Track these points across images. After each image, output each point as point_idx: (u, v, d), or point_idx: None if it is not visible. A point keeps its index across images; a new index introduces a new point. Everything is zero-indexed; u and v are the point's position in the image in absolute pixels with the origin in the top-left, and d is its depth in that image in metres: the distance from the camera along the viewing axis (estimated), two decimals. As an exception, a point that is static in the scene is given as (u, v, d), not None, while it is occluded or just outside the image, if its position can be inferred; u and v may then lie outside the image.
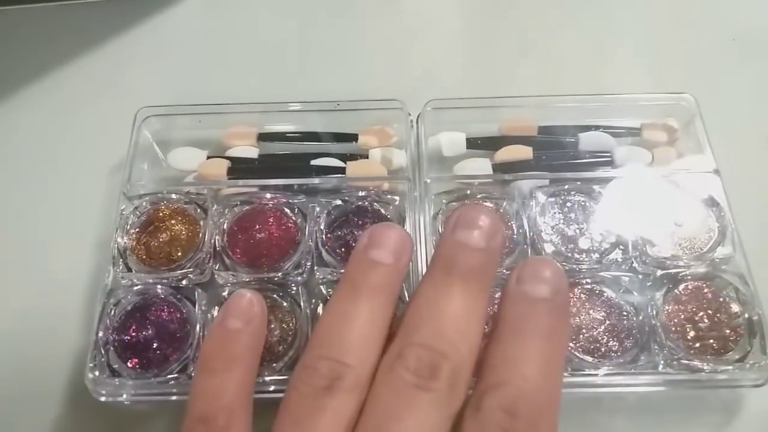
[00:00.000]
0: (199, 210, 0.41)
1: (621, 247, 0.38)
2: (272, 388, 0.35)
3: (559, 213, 0.40)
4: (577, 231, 0.39)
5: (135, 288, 0.38)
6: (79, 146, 0.48)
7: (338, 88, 0.49)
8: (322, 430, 0.26)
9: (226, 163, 0.43)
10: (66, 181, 0.46)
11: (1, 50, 0.52)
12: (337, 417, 0.26)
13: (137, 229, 0.41)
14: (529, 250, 0.39)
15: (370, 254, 0.29)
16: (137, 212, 0.41)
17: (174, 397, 0.36)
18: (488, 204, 0.41)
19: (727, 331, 0.36)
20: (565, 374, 0.35)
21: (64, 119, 0.49)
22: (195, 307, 0.38)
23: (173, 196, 0.41)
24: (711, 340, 0.36)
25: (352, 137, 0.44)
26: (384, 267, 0.29)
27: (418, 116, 0.44)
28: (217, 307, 0.38)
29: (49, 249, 0.43)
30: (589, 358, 0.35)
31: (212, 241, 0.39)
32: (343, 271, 0.29)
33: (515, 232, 0.39)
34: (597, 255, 0.38)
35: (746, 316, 0.36)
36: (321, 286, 0.38)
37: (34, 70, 0.51)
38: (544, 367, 0.26)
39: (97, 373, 0.36)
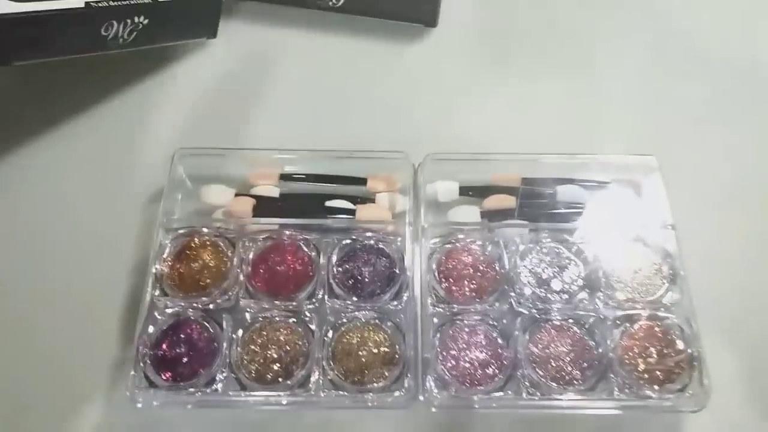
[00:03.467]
0: (227, 243, 0.46)
1: (587, 290, 0.44)
2: (285, 401, 0.40)
3: (536, 258, 0.45)
4: (551, 274, 0.44)
5: (169, 310, 0.43)
6: (119, 180, 0.52)
7: (350, 134, 0.54)
8: None
9: (251, 202, 0.48)
10: (107, 209, 0.51)
11: (52, 96, 0.57)
12: None
13: (172, 258, 0.45)
14: (510, 291, 0.44)
15: None
16: (173, 243, 0.46)
17: (190, 406, 0.41)
18: (475, 247, 0.46)
19: (672, 365, 0.41)
20: (534, 398, 0.40)
21: (105, 156, 0.54)
22: (222, 328, 0.43)
23: (205, 230, 0.46)
24: (658, 372, 0.41)
25: (362, 181, 0.49)
26: None
27: (418, 166, 0.49)
28: (240, 330, 0.42)
29: (92, 271, 0.48)
30: (554, 385, 0.40)
31: (238, 271, 0.44)
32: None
33: (497, 273, 0.44)
34: (567, 296, 0.43)
35: (689, 351, 0.41)
36: (329, 316, 0.43)
37: (79, 113, 0.56)
38: None
39: (136, 383, 0.40)
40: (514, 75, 0.58)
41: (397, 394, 0.40)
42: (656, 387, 0.40)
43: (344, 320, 0.43)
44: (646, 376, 0.41)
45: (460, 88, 0.57)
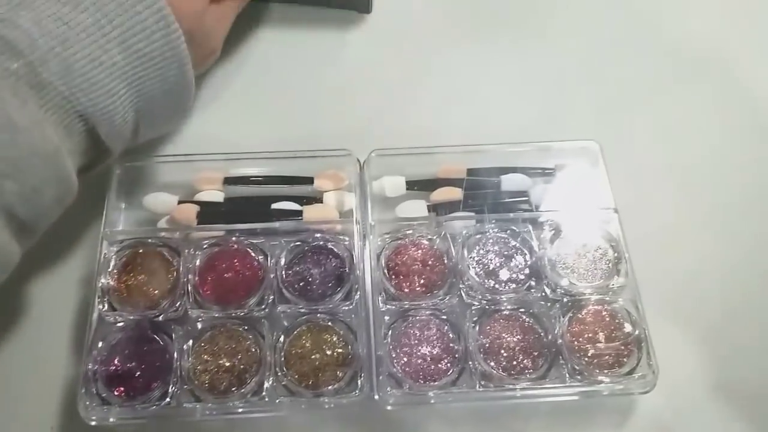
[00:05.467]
0: (172, 252, 0.44)
1: (533, 279, 0.43)
2: (240, 410, 0.39)
3: (483, 249, 0.44)
4: (498, 264, 0.44)
5: (118, 324, 0.42)
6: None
7: (292, 133, 0.52)
8: None
9: (195, 209, 0.46)
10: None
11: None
12: None
13: (118, 270, 0.44)
14: (458, 283, 0.43)
15: None
16: (118, 255, 0.44)
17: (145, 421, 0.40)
18: (424, 241, 0.45)
19: (621, 347, 0.41)
20: (488, 389, 0.40)
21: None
22: (171, 339, 0.41)
23: (149, 240, 0.45)
24: (607, 356, 0.41)
25: (309, 180, 0.48)
26: None
27: (364, 162, 0.48)
28: (191, 340, 0.41)
29: (38, 287, 0.46)
30: (505, 375, 0.40)
31: (185, 280, 0.43)
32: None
33: (446, 267, 0.44)
34: (514, 285, 0.43)
35: (636, 333, 0.41)
36: (282, 320, 0.42)
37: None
38: None
39: (87, 402, 0.39)
40: (454, 63, 0.57)
41: (350, 395, 0.40)
42: (606, 371, 0.40)
43: (296, 324, 0.42)
44: (595, 361, 0.41)
45: (401, 78, 0.56)
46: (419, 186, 0.48)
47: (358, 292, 0.43)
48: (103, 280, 0.43)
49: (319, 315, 0.42)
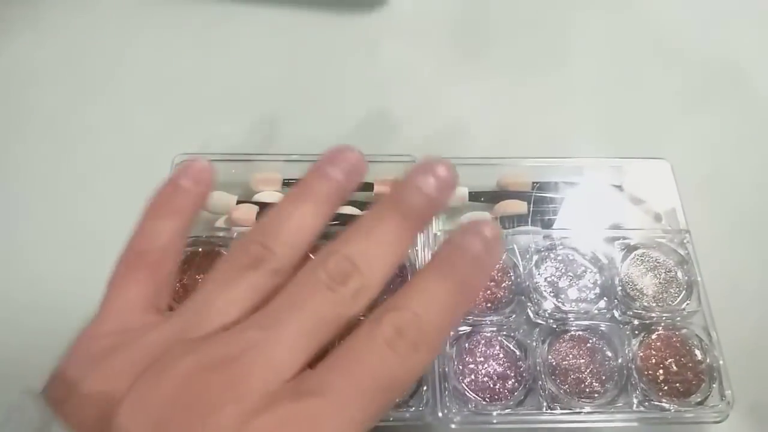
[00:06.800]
0: (232, 253, 0.43)
1: (604, 299, 0.42)
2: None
3: (551, 266, 0.43)
4: (567, 283, 0.42)
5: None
6: (121, 188, 0.49)
7: (355, 139, 0.51)
8: (235, 295, 0.27)
9: (255, 209, 0.45)
10: (108, 215, 0.47)
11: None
12: (250, 289, 0.28)
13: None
14: (526, 301, 0.42)
15: (325, 169, 0.31)
16: (176, 254, 0.43)
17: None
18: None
19: (691, 376, 0.40)
20: (555, 412, 0.39)
21: (102, 166, 0.51)
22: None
23: (209, 239, 0.43)
24: (677, 384, 0.39)
25: (369, 187, 0.47)
26: (333, 182, 0.30)
27: (427, 170, 0.47)
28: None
29: (97, 278, 0.45)
30: (575, 398, 0.39)
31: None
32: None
33: (513, 283, 0.42)
34: (584, 305, 0.42)
35: (708, 362, 0.40)
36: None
37: (70, 123, 0.53)
38: (444, 309, 0.27)
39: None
40: (493, 70, 0.56)
41: (413, 409, 0.38)
42: (675, 399, 0.39)
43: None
44: (665, 387, 0.39)
45: (438, 83, 0.56)
46: (483, 198, 0.47)
47: (421, 304, 0.41)
48: (160, 279, 0.42)
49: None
